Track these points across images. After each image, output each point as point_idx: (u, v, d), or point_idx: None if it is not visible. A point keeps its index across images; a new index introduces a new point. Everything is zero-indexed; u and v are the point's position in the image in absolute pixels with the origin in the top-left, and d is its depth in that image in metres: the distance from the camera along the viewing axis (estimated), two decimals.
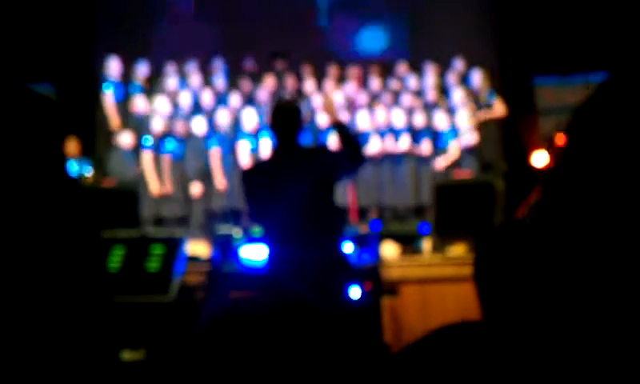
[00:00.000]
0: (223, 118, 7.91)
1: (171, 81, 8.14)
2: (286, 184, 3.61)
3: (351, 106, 8.22)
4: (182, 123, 7.83)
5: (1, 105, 1.22)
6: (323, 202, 3.65)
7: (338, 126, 3.77)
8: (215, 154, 7.82)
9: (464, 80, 8.36)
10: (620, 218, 0.64)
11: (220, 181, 7.77)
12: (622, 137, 0.66)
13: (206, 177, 7.76)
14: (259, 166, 3.95)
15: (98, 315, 1.24)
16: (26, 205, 1.17)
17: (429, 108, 8.21)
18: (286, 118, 3.66)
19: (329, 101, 3.96)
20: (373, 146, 8.03)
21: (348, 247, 4.34)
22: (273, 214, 3.61)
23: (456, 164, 7.87)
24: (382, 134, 8.10)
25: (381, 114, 8.13)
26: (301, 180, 3.61)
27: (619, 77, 0.70)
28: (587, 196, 0.67)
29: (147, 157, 7.66)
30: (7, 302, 1.14)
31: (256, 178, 3.72)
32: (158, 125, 7.72)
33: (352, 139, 3.75)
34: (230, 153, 7.86)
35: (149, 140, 7.68)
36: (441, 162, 7.92)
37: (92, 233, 1.27)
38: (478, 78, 8.26)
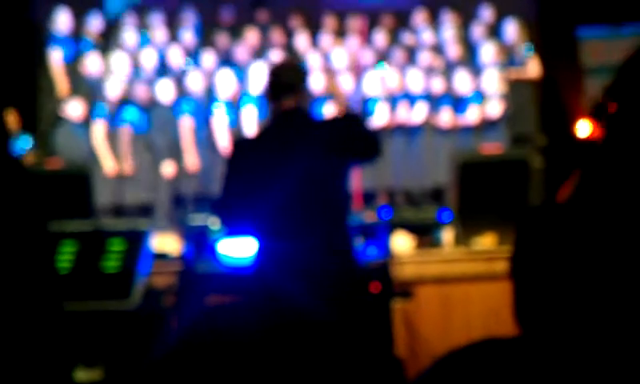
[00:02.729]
0: (195, 82, 7.92)
1: (130, 35, 8.13)
2: (288, 161, 3.64)
3: (354, 67, 8.23)
4: (144, 88, 7.85)
5: None
6: (333, 185, 3.69)
7: (349, 118, 3.81)
8: (186, 124, 7.83)
9: (494, 33, 8.38)
10: None
11: (192, 159, 7.79)
12: None
13: (176, 154, 7.79)
14: (254, 139, 3.99)
15: (48, 327, 1.25)
16: None
17: (449, 68, 8.24)
18: (290, 81, 3.70)
19: (333, 85, 4.01)
20: (382, 116, 8.07)
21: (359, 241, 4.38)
22: (268, 198, 3.64)
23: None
24: (393, 101, 8.13)
25: (392, 76, 8.15)
26: (307, 157, 3.64)
27: None
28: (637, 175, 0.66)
29: (100, 129, 7.68)
30: None
31: (249, 153, 3.75)
32: (114, 89, 7.73)
33: (366, 132, 3.80)
34: (203, 125, 7.88)
35: (103, 108, 7.70)
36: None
37: (39, 226, 1.27)
38: (512, 30, 8.28)
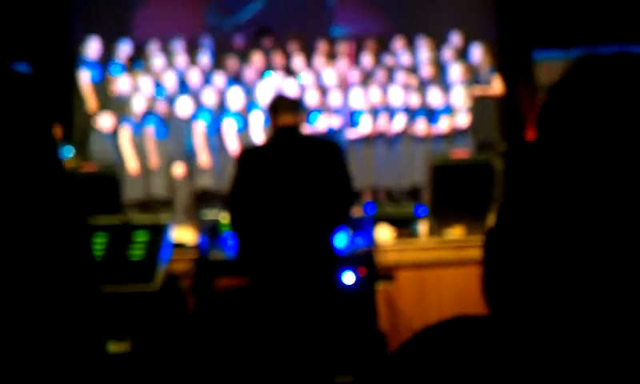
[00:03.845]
0: (209, 98, 7.90)
1: (156, 60, 8.12)
2: (288, 170, 3.66)
3: (343, 84, 8.22)
4: (165, 104, 7.83)
5: None
6: (322, 192, 3.70)
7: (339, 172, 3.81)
8: (199, 128, 7.81)
9: (462, 55, 8.37)
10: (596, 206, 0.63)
11: (204, 158, 7.77)
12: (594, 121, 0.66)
13: (188, 157, 7.77)
14: (257, 150, 4.00)
15: (87, 306, 1.24)
16: (16, 193, 1.16)
17: (423, 85, 8.23)
18: (286, 106, 3.73)
19: None
20: (366, 126, 8.06)
21: (340, 239, 4.38)
22: (266, 201, 3.66)
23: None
24: (375, 113, 8.12)
25: (375, 93, 8.14)
26: (301, 172, 3.66)
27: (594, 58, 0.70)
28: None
29: (126, 135, 7.67)
30: None
31: (254, 162, 3.76)
32: (139, 105, 7.71)
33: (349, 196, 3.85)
34: (215, 133, 7.87)
35: (129, 121, 7.68)
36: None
37: (80, 221, 1.26)
38: (477, 53, 8.27)
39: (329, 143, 4.00)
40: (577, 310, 0.63)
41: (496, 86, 8.21)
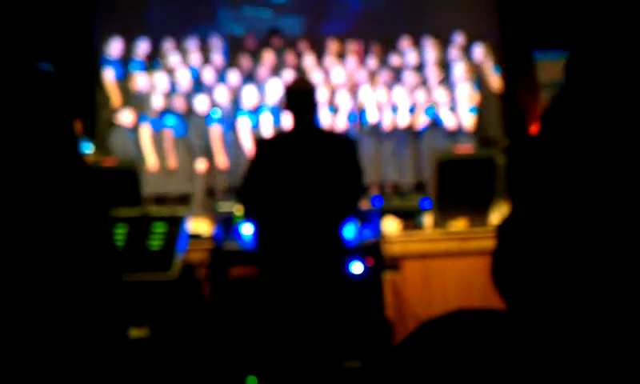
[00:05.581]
0: (222, 96, 7.91)
1: (172, 58, 8.14)
2: (300, 167, 3.66)
3: (351, 83, 8.21)
4: (182, 100, 7.84)
5: (10, 83, 1.20)
6: (332, 185, 3.69)
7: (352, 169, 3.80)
8: (216, 131, 7.84)
9: (466, 55, 8.35)
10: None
11: (222, 159, 7.79)
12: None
13: (209, 154, 7.79)
14: (272, 141, 3.98)
15: (109, 293, 1.25)
16: (40, 185, 1.17)
17: (429, 83, 8.21)
18: (302, 99, 3.70)
19: None
20: (372, 121, 8.05)
21: (349, 231, 4.39)
22: (279, 191, 3.66)
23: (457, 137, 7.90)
24: (383, 111, 8.11)
25: (381, 91, 8.13)
26: (315, 164, 3.66)
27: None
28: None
29: (146, 133, 7.69)
30: (20, 279, 1.14)
31: (268, 153, 3.76)
32: (158, 102, 7.74)
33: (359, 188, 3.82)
34: (230, 130, 7.89)
35: (149, 116, 7.71)
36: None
37: (102, 213, 1.26)
38: (479, 52, 8.25)
39: (343, 137, 3.99)
40: (585, 298, 0.64)
41: (496, 86, 8.19)
